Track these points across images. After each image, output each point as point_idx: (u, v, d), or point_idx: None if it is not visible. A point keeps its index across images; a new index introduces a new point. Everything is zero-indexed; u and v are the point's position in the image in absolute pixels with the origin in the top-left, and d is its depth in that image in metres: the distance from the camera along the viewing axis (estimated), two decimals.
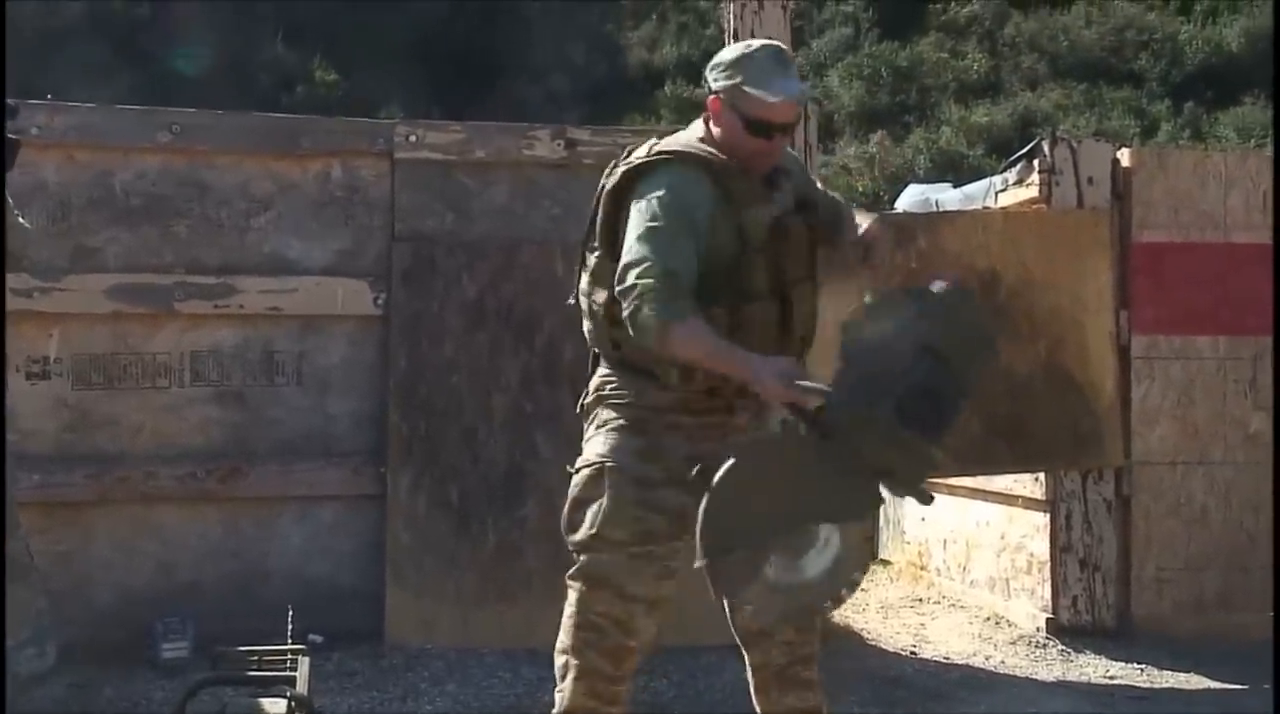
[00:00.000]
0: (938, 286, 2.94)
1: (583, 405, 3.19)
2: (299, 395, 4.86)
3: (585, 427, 3.17)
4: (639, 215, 2.95)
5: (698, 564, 2.79)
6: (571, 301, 3.26)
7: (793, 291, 3.04)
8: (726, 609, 3.13)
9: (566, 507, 3.10)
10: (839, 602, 2.97)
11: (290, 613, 4.39)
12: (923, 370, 2.82)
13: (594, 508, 3.02)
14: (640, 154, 3.06)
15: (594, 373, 3.20)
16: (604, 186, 3.12)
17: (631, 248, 2.92)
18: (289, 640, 3.97)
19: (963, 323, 2.93)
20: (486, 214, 5.00)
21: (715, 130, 3.04)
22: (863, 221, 3.20)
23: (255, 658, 3.70)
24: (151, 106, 5.20)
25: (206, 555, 4.76)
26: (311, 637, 4.52)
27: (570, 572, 3.08)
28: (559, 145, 5.03)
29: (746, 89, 2.96)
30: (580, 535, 3.04)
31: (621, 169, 3.07)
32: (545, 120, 5.95)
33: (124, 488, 4.69)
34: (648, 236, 2.91)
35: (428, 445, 4.81)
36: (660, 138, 3.16)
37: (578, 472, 3.10)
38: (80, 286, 4.67)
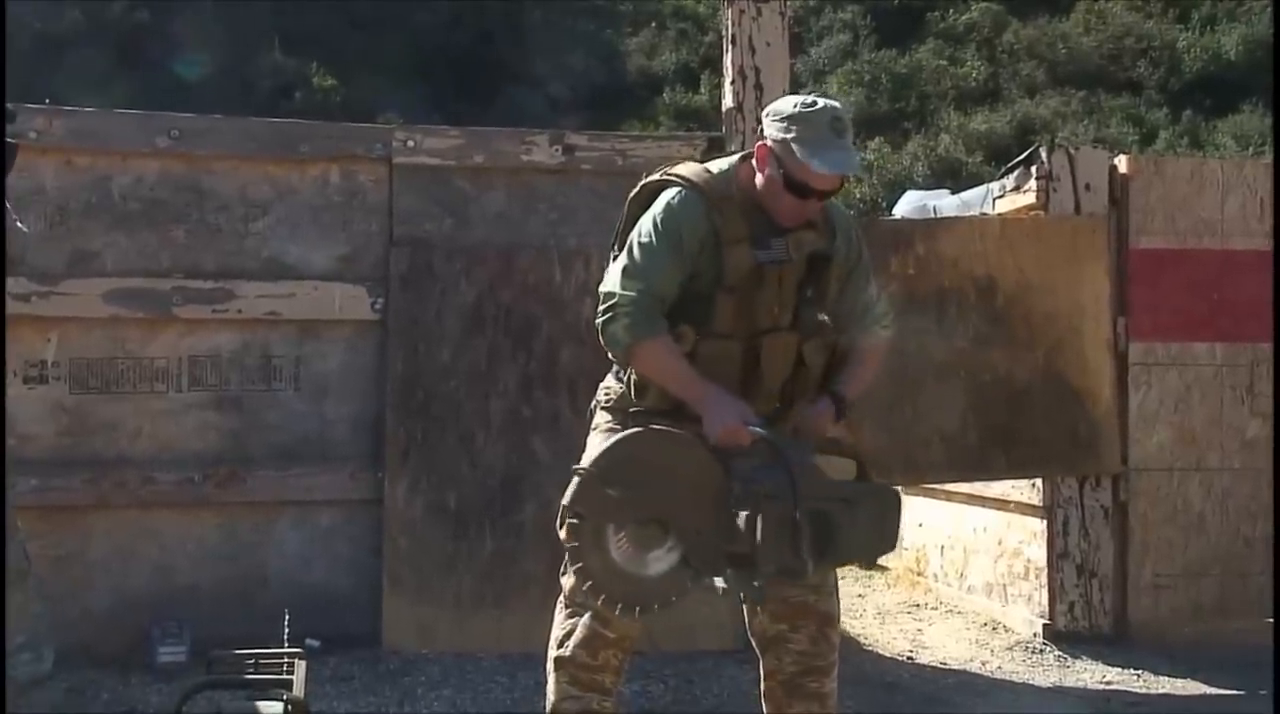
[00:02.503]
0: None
1: (590, 410, 3.24)
2: (297, 400, 4.86)
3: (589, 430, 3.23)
4: (636, 232, 3.03)
5: (564, 502, 2.86)
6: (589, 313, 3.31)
7: (764, 339, 3.02)
8: (745, 613, 3.18)
9: (562, 504, 3.13)
10: (663, 606, 2.96)
11: (287, 617, 4.39)
12: (838, 510, 2.90)
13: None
14: (656, 176, 3.12)
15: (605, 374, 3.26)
16: (630, 197, 3.18)
17: (620, 259, 3.01)
18: (286, 645, 3.96)
19: (885, 511, 3.02)
20: (484, 219, 5.01)
21: (758, 177, 3.03)
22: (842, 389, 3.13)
23: (252, 662, 3.69)
24: (150, 111, 5.20)
25: (204, 560, 4.76)
26: (309, 641, 4.52)
27: (562, 570, 3.14)
28: (557, 151, 5.03)
29: (795, 149, 2.94)
30: (567, 530, 3.08)
31: (643, 182, 3.14)
32: (544, 126, 5.96)
33: (121, 492, 4.68)
34: (637, 251, 2.98)
35: (425, 450, 4.81)
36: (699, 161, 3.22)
37: (575, 473, 3.14)
38: (78, 291, 4.68)
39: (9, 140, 2.97)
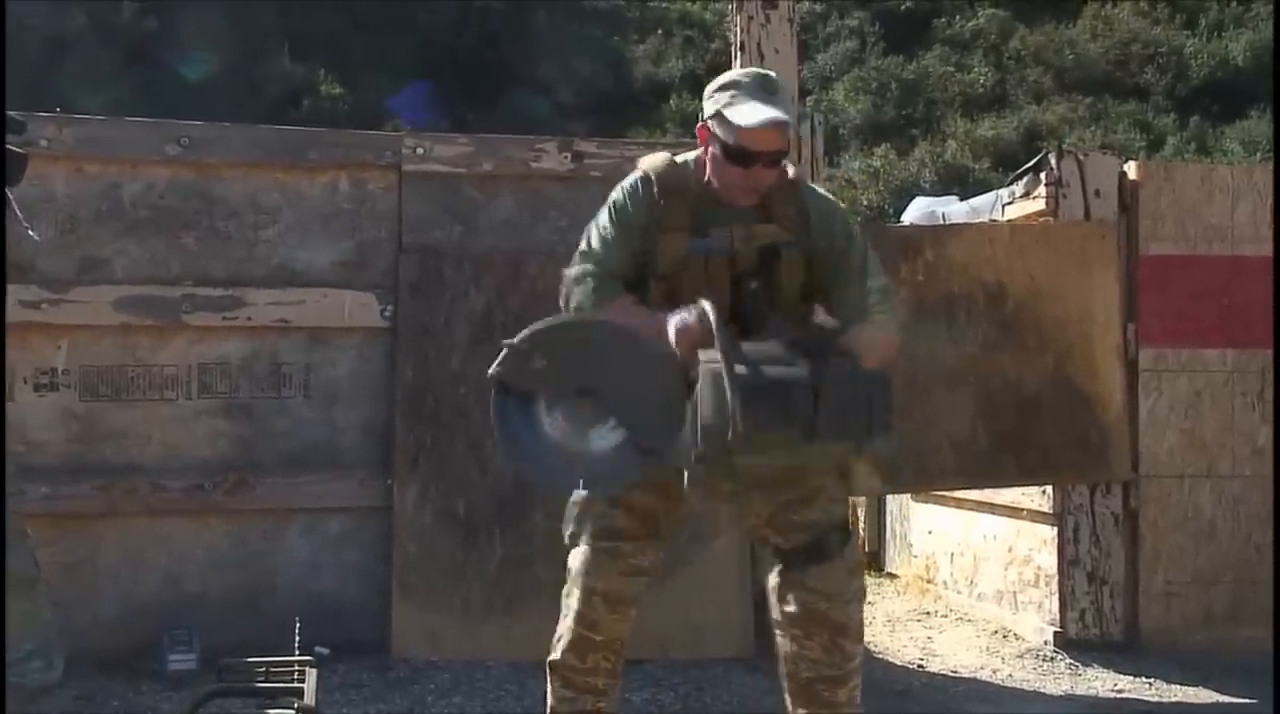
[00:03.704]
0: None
1: None
2: (306, 407, 4.86)
3: None
4: (594, 218, 3.17)
5: (490, 371, 2.88)
6: None
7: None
8: (770, 619, 3.17)
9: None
10: (609, 484, 2.92)
11: (297, 625, 4.39)
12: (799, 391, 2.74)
13: (572, 508, 3.17)
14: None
15: None
16: None
17: (580, 245, 3.14)
18: (296, 652, 3.96)
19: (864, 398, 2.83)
20: (493, 226, 5.01)
21: (705, 156, 3.08)
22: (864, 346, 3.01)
23: (262, 670, 3.69)
24: (159, 119, 5.21)
25: (213, 567, 4.75)
26: (318, 648, 4.51)
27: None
28: (566, 158, 5.03)
29: (726, 114, 2.96)
30: (565, 535, 3.19)
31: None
32: (550, 132, 5.97)
33: (131, 500, 4.68)
34: (592, 235, 3.12)
35: (435, 457, 4.81)
36: (669, 151, 3.25)
37: None
38: (88, 298, 4.68)
39: (20, 149, 2.98)
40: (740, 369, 2.71)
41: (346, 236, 4.93)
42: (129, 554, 4.71)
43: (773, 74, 3.15)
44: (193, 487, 4.72)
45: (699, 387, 2.74)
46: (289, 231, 4.90)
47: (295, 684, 3.48)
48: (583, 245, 3.13)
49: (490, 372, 2.89)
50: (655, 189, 3.06)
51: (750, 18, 5.10)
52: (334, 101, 20.44)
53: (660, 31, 24.95)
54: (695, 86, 23.08)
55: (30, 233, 3.37)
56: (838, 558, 3.06)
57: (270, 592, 4.77)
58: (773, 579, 3.13)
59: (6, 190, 2.93)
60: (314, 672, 3.51)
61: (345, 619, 4.75)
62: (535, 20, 23.02)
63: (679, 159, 3.15)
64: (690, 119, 21.72)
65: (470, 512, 4.81)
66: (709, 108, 3.04)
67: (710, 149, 3.03)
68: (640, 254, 3.06)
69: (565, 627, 3.13)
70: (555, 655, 3.15)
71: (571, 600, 3.10)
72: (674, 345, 2.87)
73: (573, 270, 3.11)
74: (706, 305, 2.82)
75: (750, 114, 2.93)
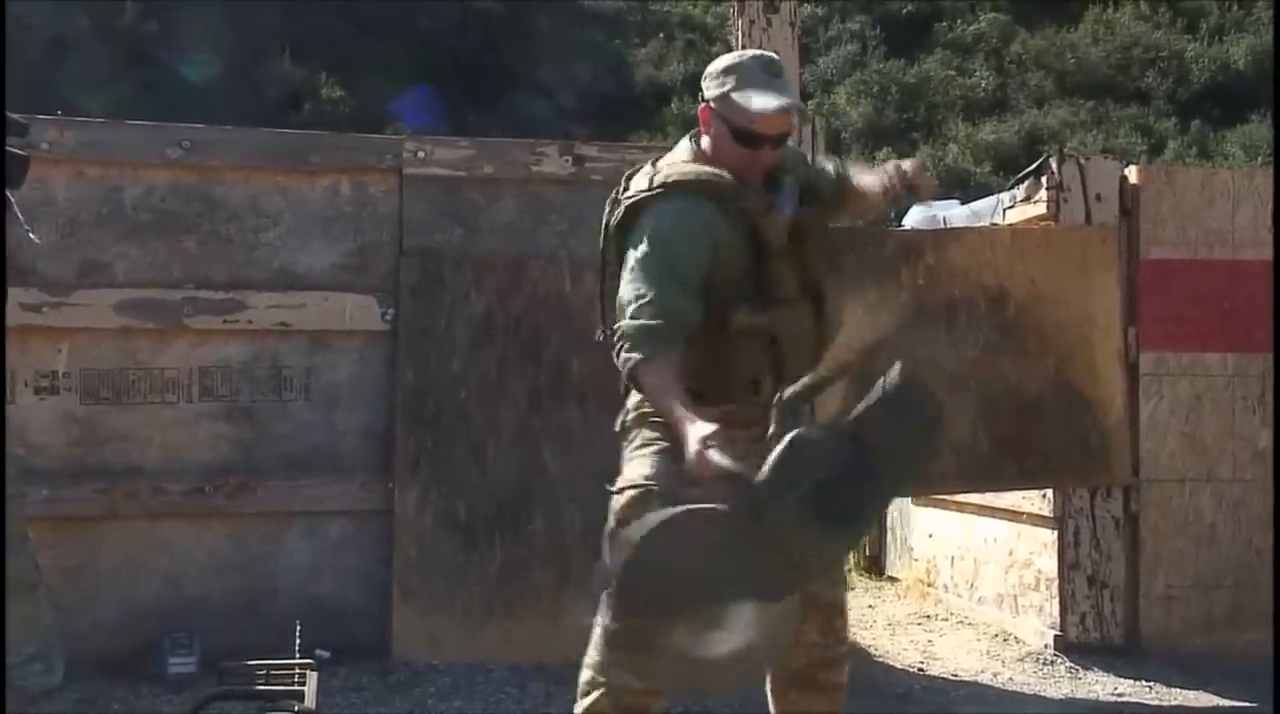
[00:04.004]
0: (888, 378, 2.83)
1: (622, 425, 3.14)
2: (307, 410, 4.87)
3: (624, 446, 3.12)
4: (634, 252, 2.97)
5: (609, 625, 2.70)
6: (599, 336, 3.22)
7: (821, 288, 3.06)
8: None
9: (610, 525, 3.04)
10: (741, 684, 2.87)
11: (298, 628, 4.39)
12: (846, 457, 2.70)
13: (632, 528, 2.95)
14: (641, 186, 3.04)
15: (627, 394, 3.15)
16: (608, 222, 3.12)
17: (624, 288, 2.95)
18: (296, 655, 3.96)
19: (903, 415, 2.81)
20: (494, 229, 5.01)
21: (704, 141, 3.05)
22: (867, 177, 3.20)
23: (263, 673, 3.70)
24: (160, 122, 5.21)
25: (214, 570, 4.76)
26: (319, 652, 4.50)
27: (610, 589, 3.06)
28: (567, 161, 5.04)
29: (734, 98, 2.97)
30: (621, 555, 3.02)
31: (625, 205, 3.06)
32: (551, 136, 5.97)
33: (132, 503, 4.69)
34: (638, 276, 2.92)
35: (435, 461, 4.81)
36: (654, 161, 3.14)
37: (620, 493, 3.05)
38: (89, 301, 4.68)
39: (21, 153, 2.98)
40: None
41: (347, 240, 4.93)
42: (130, 557, 4.72)
43: (774, 56, 3.14)
44: (193, 490, 4.73)
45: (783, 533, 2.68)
46: (290, 235, 4.90)
47: (296, 687, 3.48)
48: (630, 291, 2.91)
49: (603, 619, 2.73)
50: (706, 191, 2.97)
51: (752, 21, 5.11)
52: (335, 104, 20.43)
53: (662, 35, 24.94)
54: (696, 90, 23.09)
55: (31, 236, 3.37)
56: None
57: (271, 595, 4.78)
58: None
59: (7, 193, 2.94)
60: (314, 675, 3.51)
61: (346, 622, 4.75)
62: (536, 23, 23.02)
63: (679, 161, 3.07)
64: (692, 123, 21.72)
65: (471, 515, 4.81)
66: (713, 90, 3.02)
67: (714, 130, 3.02)
68: (723, 263, 2.93)
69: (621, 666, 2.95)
70: (614, 679, 2.96)
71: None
72: (693, 460, 2.74)
73: (623, 316, 2.90)
74: (719, 459, 2.69)
75: (762, 100, 2.95)
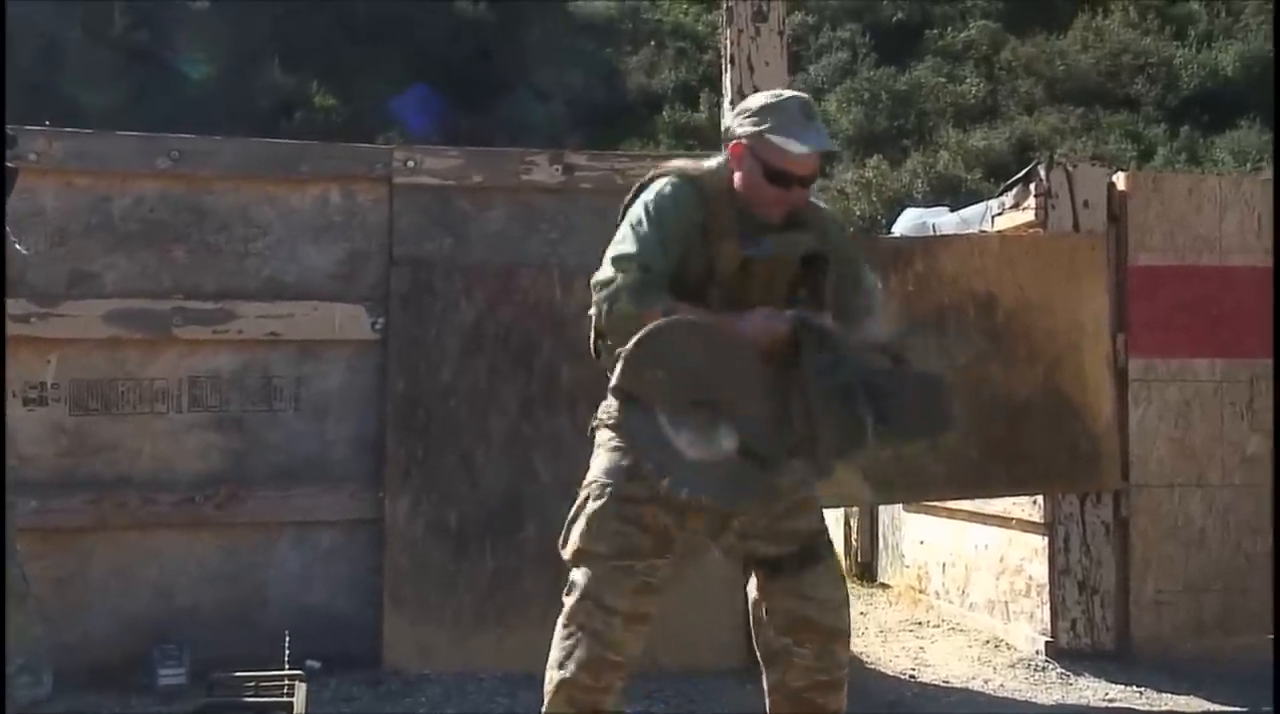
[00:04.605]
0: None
1: (591, 430, 3.20)
2: (297, 420, 4.86)
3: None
4: (625, 219, 3.06)
5: (613, 383, 2.84)
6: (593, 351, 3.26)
7: None
8: (751, 623, 3.17)
9: (565, 525, 3.13)
10: (735, 497, 2.94)
11: (288, 638, 4.39)
12: (889, 386, 2.92)
13: (580, 524, 3.06)
14: (649, 176, 3.15)
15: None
16: (622, 207, 3.18)
17: (612, 246, 3.02)
18: (286, 666, 3.97)
19: (931, 396, 3.02)
20: (484, 238, 5.02)
21: (736, 175, 3.07)
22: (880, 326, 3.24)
23: (252, 684, 3.70)
24: (150, 132, 5.21)
25: (204, 581, 4.75)
26: (309, 662, 4.52)
27: (566, 589, 3.10)
28: (557, 170, 5.04)
29: (771, 138, 3.00)
30: (569, 550, 3.09)
31: (634, 189, 3.15)
32: (544, 145, 5.98)
33: (122, 514, 4.68)
34: (628, 234, 3.01)
35: (426, 470, 4.81)
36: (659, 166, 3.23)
37: (579, 493, 3.13)
38: (78, 312, 4.68)
39: (10, 165, 2.98)
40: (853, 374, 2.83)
41: (337, 249, 4.94)
42: (119, 568, 4.71)
43: (808, 98, 3.16)
44: (183, 500, 4.72)
45: (810, 393, 2.81)
46: (279, 244, 4.90)
47: (285, 698, 3.48)
48: (615, 249, 3.00)
49: (613, 384, 2.86)
50: (701, 192, 3.04)
51: (740, 31, 5.11)
52: (327, 113, 20.44)
53: (653, 43, 24.98)
54: (687, 98, 23.09)
55: (19, 247, 3.38)
56: (827, 562, 3.11)
57: (261, 605, 4.77)
58: (756, 589, 3.13)
59: None
60: (304, 686, 3.51)
61: (337, 632, 4.74)
62: (528, 32, 23.05)
63: (706, 165, 3.13)
64: (683, 130, 21.74)
65: (461, 523, 4.81)
66: (747, 128, 3.04)
67: (745, 167, 3.04)
68: (685, 259, 2.99)
69: (577, 645, 3.01)
70: (565, 673, 3.02)
71: (586, 619, 3.00)
72: (759, 344, 2.89)
73: (606, 274, 2.97)
74: (799, 315, 2.88)
75: (802, 143, 2.99)
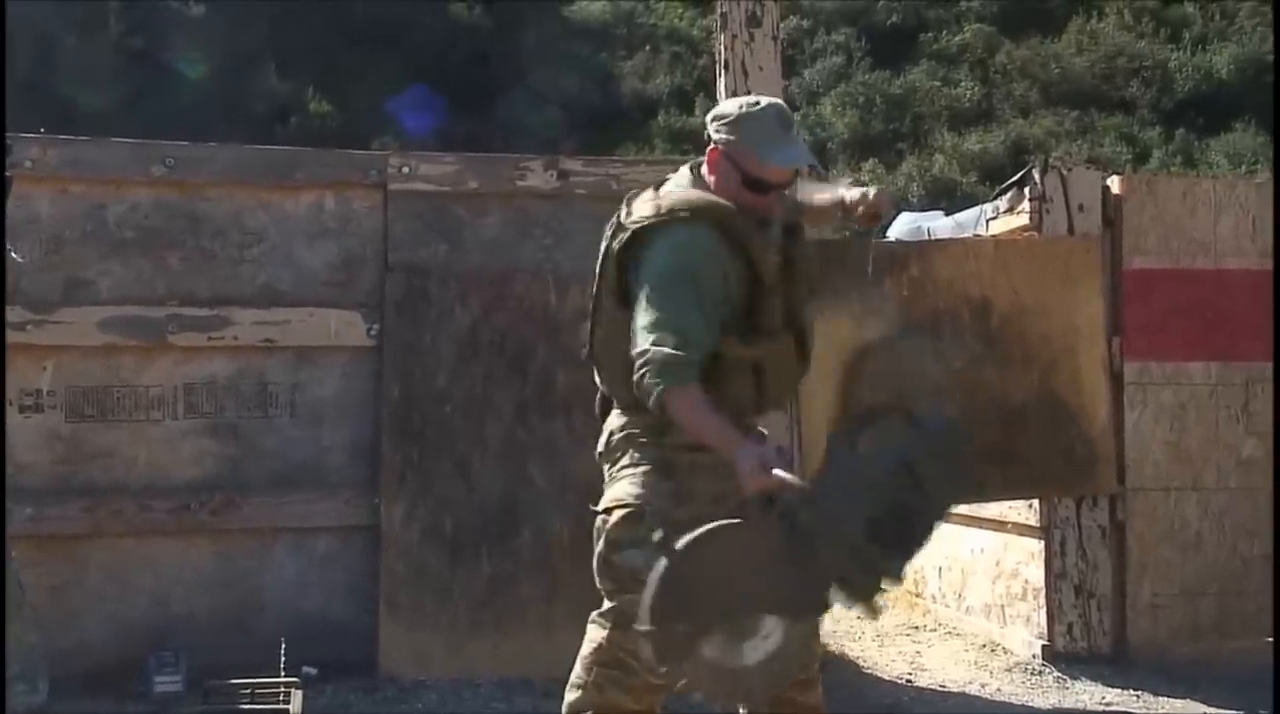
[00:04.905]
0: (934, 421, 2.98)
1: (606, 445, 3.13)
2: (292, 426, 4.86)
3: (606, 468, 3.12)
4: (649, 279, 2.96)
5: (642, 628, 2.71)
6: (584, 354, 3.23)
7: (802, 320, 3.10)
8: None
9: (602, 548, 3.04)
10: (771, 692, 2.92)
11: (284, 645, 4.39)
12: (899, 489, 2.81)
13: (632, 550, 2.96)
14: (646, 212, 3.03)
15: (606, 413, 3.17)
16: (610, 246, 3.09)
17: (642, 315, 2.93)
18: (282, 673, 3.97)
19: (950, 456, 2.94)
20: (479, 244, 5.02)
21: (709, 178, 3.06)
22: (821, 194, 3.25)
23: (248, 691, 3.70)
24: (144, 140, 5.21)
25: (200, 588, 4.74)
26: (305, 669, 4.51)
27: (601, 610, 3.05)
28: (551, 176, 5.05)
29: (749, 148, 2.99)
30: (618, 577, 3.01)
31: (631, 231, 3.04)
32: (540, 150, 5.98)
33: (117, 520, 4.67)
34: (657, 303, 2.91)
35: (421, 476, 4.81)
36: (657, 187, 3.13)
37: (608, 512, 3.05)
38: (73, 319, 4.68)
39: (5, 174, 2.98)
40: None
41: (332, 255, 4.93)
42: (115, 575, 4.70)
43: (784, 106, 3.15)
44: (179, 507, 4.71)
45: (820, 557, 2.74)
46: (274, 251, 4.90)
47: (281, 706, 3.48)
48: (642, 323, 2.90)
49: (652, 661, 2.74)
50: (715, 223, 2.97)
51: (734, 35, 5.12)
52: (323, 118, 20.45)
53: (648, 48, 25.00)
54: (683, 102, 23.11)
55: (14, 255, 3.38)
56: None
57: (257, 612, 4.76)
58: None
59: None
60: (299, 692, 3.51)
61: (333, 639, 4.74)
62: (524, 36, 23.07)
63: (682, 187, 3.08)
64: (679, 135, 21.76)
65: (457, 530, 4.81)
66: (725, 135, 3.02)
67: (721, 172, 3.04)
68: (727, 293, 2.95)
69: (625, 673, 2.98)
70: (606, 699, 3.00)
71: (635, 646, 2.86)
72: (746, 489, 2.78)
73: (644, 342, 2.88)
74: (786, 476, 2.73)
75: (781, 154, 3.00)
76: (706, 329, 2.91)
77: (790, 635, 2.76)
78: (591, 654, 3.05)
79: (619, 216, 3.10)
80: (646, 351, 2.87)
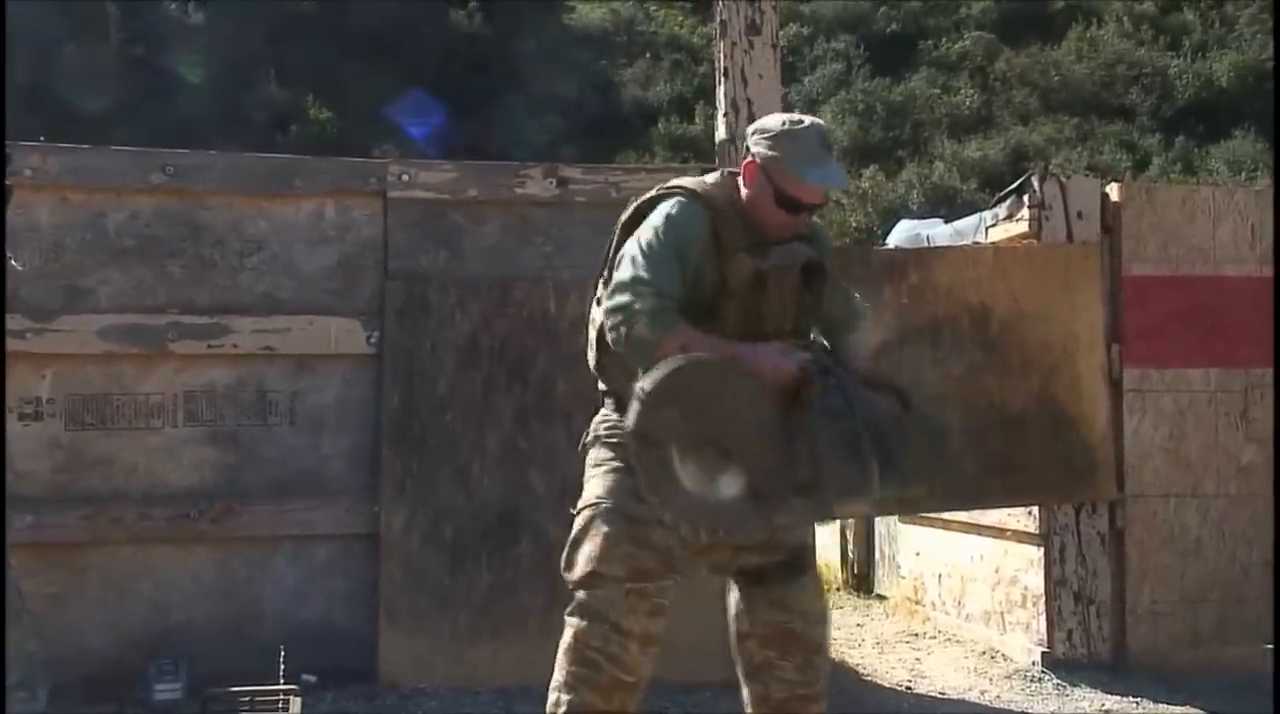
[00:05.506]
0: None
1: (583, 446, 3.20)
2: (292, 434, 4.86)
3: (586, 467, 3.18)
4: (634, 240, 3.03)
5: (629, 423, 2.82)
6: (590, 361, 3.26)
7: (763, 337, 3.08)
8: (733, 637, 3.18)
9: (567, 546, 3.11)
10: (765, 531, 2.99)
11: (283, 653, 4.39)
12: (893, 419, 2.95)
13: (590, 546, 3.04)
14: (652, 192, 3.14)
15: (598, 412, 3.22)
16: (619, 222, 3.18)
17: (624, 269, 2.99)
18: (282, 680, 3.96)
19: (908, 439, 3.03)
20: (479, 252, 5.02)
21: (744, 191, 3.09)
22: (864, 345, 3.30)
23: (248, 699, 3.70)
24: (144, 148, 5.21)
25: (199, 596, 4.74)
26: (305, 677, 4.51)
27: (568, 608, 3.08)
28: (551, 183, 5.05)
29: (789, 167, 3.02)
30: (578, 572, 3.06)
31: (634, 204, 3.15)
32: (539, 158, 5.98)
33: (117, 529, 4.68)
34: (640, 259, 2.98)
35: (421, 484, 4.81)
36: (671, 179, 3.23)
37: (579, 513, 3.11)
38: (73, 327, 4.68)
39: (5, 182, 2.99)
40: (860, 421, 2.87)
41: (332, 263, 4.94)
42: (115, 583, 4.70)
43: (826, 127, 3.19)
44: (179, 515, 4.71)
45: (816, 436, 2.83)
46: (274, 259, 4.90)
47: (280, 713, 3.48)
48: (626, 272, 2.98)
49: (629, 425, 2.84)
50: (711, 209, 3.05)
51: (734, 43, 5.13)
52: (322, 126, 20.47)
53: (648, 55, 25.04)
54: (682, 110, 23.15)
55: (14, 263, 3.38)
56: (809, 575, 3.17)
57: (257, 619, 4.76)
58: (738, 600, 3.15)
59: None
60: (299, 700, 3.51)
61: (333, 646, 4.73)
62: (524, 44, 23.10)
63: (710, 180, 3.15)
64: (678, 142, 21.78)
65: (457, 537, 4.81)
66: (765, 149, 3.05)
67: (756, 186, 3.06)
68: (699, 275, 3.00)
69: (590, 668, 3.01)
70: (578, 697, 3.02)
71: (602, 643, 2.98)
72: (765, 377, 2.90)
73: (620, 299, 2.95)
74: (810, 358, 2.90)
75: (820, 175, 3.03)
76: (679, 288, 2.97)
77: (764, 482, 2.86)
78: (563, 654, 3.08)
79: (633, 199, 3.20)
80: (626, 303, 2.92)
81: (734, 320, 3.01)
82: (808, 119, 3.13)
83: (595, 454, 3.14)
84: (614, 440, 3.08)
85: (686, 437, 2.83)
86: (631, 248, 3.02)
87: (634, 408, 2.82)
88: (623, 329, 2.93)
